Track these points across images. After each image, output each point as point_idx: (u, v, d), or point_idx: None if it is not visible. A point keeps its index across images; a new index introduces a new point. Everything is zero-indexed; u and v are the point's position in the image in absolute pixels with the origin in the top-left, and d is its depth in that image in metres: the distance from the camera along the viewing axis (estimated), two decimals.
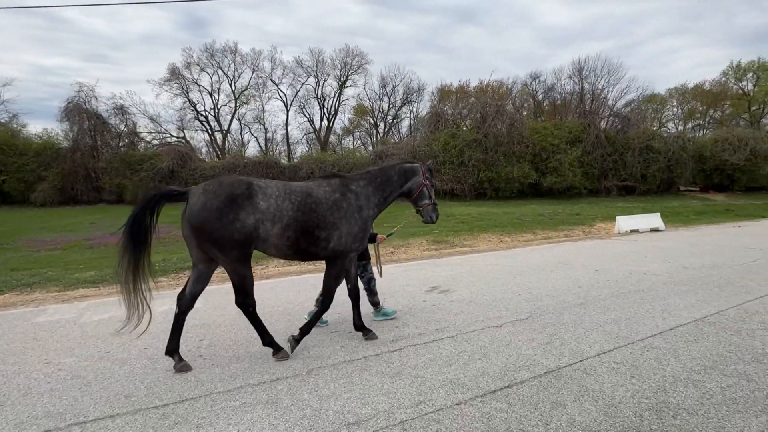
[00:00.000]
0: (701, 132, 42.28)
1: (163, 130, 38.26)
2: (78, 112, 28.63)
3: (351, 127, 51.84)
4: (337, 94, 48.03)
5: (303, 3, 70.20)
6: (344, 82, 47.66)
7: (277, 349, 3.80)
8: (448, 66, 73.82)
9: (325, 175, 4.28)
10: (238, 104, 44.62)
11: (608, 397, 2.95)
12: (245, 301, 3.69)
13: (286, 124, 47.94)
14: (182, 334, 3.75)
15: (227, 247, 3.52)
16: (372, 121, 50.89)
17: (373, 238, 4.90)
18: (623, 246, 10.00)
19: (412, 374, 3.39)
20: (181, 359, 3.67)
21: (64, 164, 27.63)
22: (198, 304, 3.99)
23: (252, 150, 47.28)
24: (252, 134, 48.22)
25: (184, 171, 27.98)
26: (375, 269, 5.02)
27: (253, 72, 43.77)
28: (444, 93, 43.23)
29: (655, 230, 13.14)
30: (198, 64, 40.90)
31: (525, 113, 39.81)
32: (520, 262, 8.37)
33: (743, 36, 71.22)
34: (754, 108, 49.18)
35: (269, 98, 47.14)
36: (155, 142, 35.44)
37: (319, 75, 46.81)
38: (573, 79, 32.97)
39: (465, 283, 6.60)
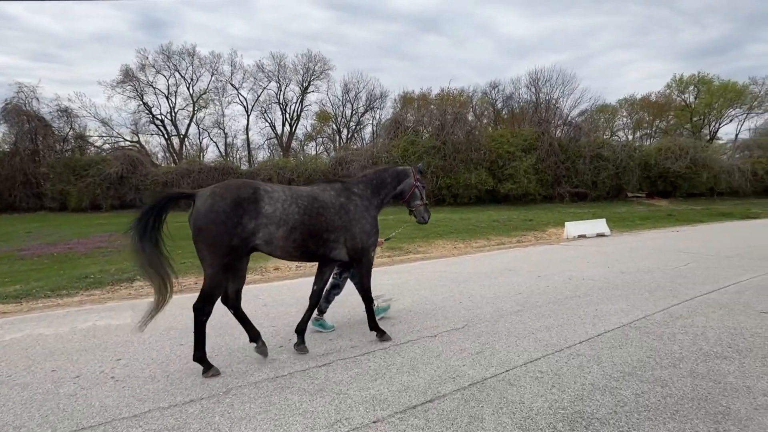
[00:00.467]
0: (648, 141, 44.48)
1: (115, 134, 36.61)
2: (17, 113, 26.97)
3: (313, 133, 51.45)
4: (299, 100, 47.63)
5: (266, 7, 69.43)
6: (306, 88, 47.30)
7: (207, 367, 3.67)
8: (412, 73, 74.82)
9: (327, 180, 4.61)
10: (196, 108, 43.44)
11: (527, 408, 2.93)
12: (204, 307, 3.63)
13: (247, 129, 47.02)
14: (101, 352, 3.47)
15: (221, 252, 3.55)
16: (335, 127, 50.74)
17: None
18: (569, 251, 10.28)
19: (335, 390, 3.27)
20: (262, 344, 3.96)
21: (1, 169, 25.91)
22: (128, 318, 3.72)
23: (211, 155, 46.04)
24: (211, 139, 46.96)
25: (135, 177, 26.84)
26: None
27: (212, 75, 42.74)
28: (406, 100, 43.69)
29: (601, 235, 13.62)
30: (153, 66, 39.50)
31: (485, 121, 40.88)
32: (469, 268, 8.43)
33: (686, 51, 76.08)
34: (695, 119, 52.39)
35: (229, 102, 46.17)
36: (107, 146, 33.86)
37: (281, 80, 46.26)
38: (530, 88, 34.13)
39: (410, 291, 6.55)
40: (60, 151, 29.17)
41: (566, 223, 13.92)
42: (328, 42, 70.07)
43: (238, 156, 47.76)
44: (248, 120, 45.77)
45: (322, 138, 51.66)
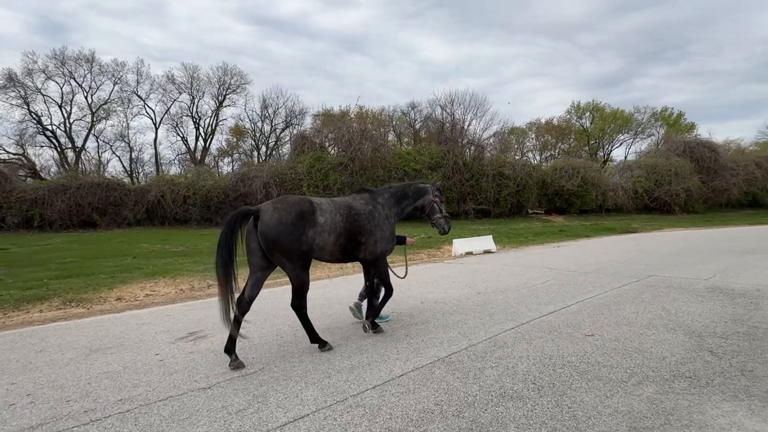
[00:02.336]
0: (552, 162, 47.53)
1: None
2: None
3: (228, 149, 48.98)
4: (214, 114, 45.19)
5: (182, 17, 65.86)
6: (222, 102, 45.07)
7: (322, 344, 4.47)
8: (338, 92, 74.92)
9: (357, 191, 5.21)
10: (95, 119, 39.47)
11: None
12: (300, 303, 4.38)
13: (155, 143, 43.58)
14: None
15: (295, 256, 4.18)
16: (253, 143, 48.68)
17: (403, 240, 5.65)
18: (444, 270, 9.95)
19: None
20: (236, 358, 4.10)
21: None
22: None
23: (114, 170, 41.98)
24: (114, 153, 42.89)
25: None
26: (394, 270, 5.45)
27: (114, 85, 39.20)
28: (326, 117, 43.07)
29: (487, 252, 13.64)
30: (44, 72, 35.34)
31: (406, 140, 41.28)
32: (331, 292, 7.68)
33: (587, 82, 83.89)
34: (592, 142, 57.37)
35: (135, 114, 42.60)
36: None
37: (194, 92, 43.67)
38: (444, 110, 35.08)
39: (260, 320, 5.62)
40: None
41: (454, 240, 13.79)
42: (252, 57, 68.06)
43: (145, 171, 44.07)
44: (156, 133, 42.46)
45: (238, 154, 49.32)
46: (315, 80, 73.97)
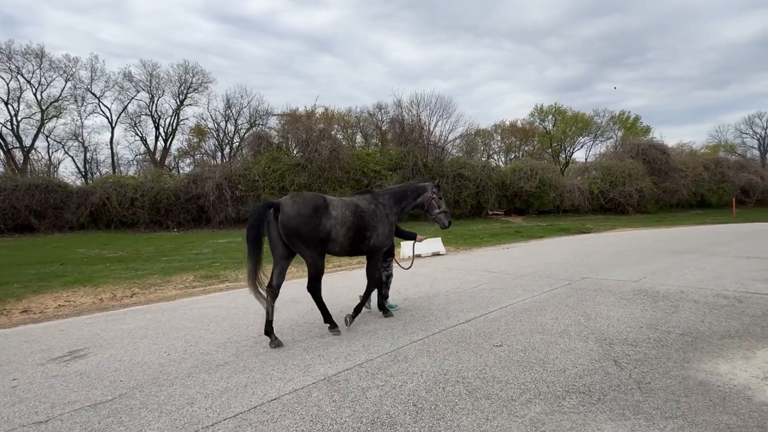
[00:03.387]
0: (512, 163, 48.08)
1: None
2: None
3: (189, 149, 47.34)
4: (175, 113, 43.54)
5: (145, 12, 63.31)
6: (183, 100, 43.47)
7: (333, 326, 4.99)
8: (308, 93, 74.09)
9: (360, 192, 5.67)
10: (45, 117, 37.29)
11: None
12: (316, 286, 4.86)
13: (111, 143, 41.60)
14: None
15: (312, 244, 4.69)
16: (216, 144, 47.20)
17: (413, 237, 6.22)
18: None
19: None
20: (275, 338, 4.65)
21: None
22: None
23: (66, 170, 39.90)
24: (67, 153, 40.68)
25: None
26: (395, 264, 6.33)
27: (66, 81, 37.12)
28: (291, 117, 42.13)
29: (436, 254, 13.41)
30: None
31: (374, 141, 40.83)
32: (250, 301, 7.20)
33: (552, 86, 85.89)
34: (554, 144, 58.58)
35: (90, 113, 40.52)
36: None
37: (154, 90, 41.93)
38: (405, 110, 34.95)
39: (127, 339, 5.10)
40: None
41: (402, 243, 13.49)
42: (220, 56, 66.19)
43: (101, 172, 41.88)
44: (113, 133, 40.52)
45: (200, 154, 47.68)
46: (284, 80, 72.84)
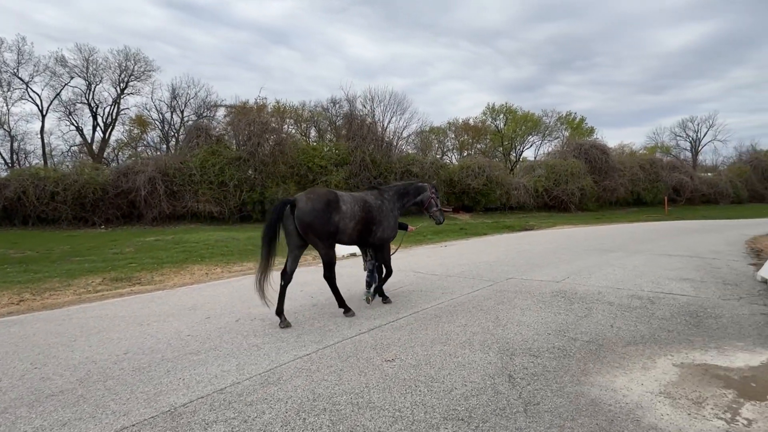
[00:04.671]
0: (459, 160, 48.54)
1: None
2: None
3: (129, 141, 44.36)
4: (115, 102, 40.55)
5: None
6: (124, 89, 40.57)
7: (347, 310, 5.55)
8: (263, 86, 71.56)
9: (369, 188, 6.47)
10: None
11: None
12: (330, 275, 5.46)
13: (42, 132, 38.15)
14: None
15: (324, 236, 5.22)
16: (161, 136, 44.46)
17: (405, 227, 6.73)
18: (308, 276, 9.02)
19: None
20: (285, 319, 5.20)
21: None
22: None
23: None
24: None
25: None
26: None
27: None
28: (242, 110, 40.28)
29: (353, 255, 12.92)
30: None
31: (329, 137, 39.76)
32: (166, 306, 6.41)
33: (506, 86, 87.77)
34: (505, 143, 59.78)
35: (17, 99, 36.94)
36: None
37: (91, 77, 38.80)
38: (366, 107, 34.32)
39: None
40: None
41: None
42: (170, 43, 62.48)
43: (32, 163, 38.27)
44: (43, 121, 37.10)
45: (144, 146, 44.78)
46: (238, 72, 70.06)
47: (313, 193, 5.33)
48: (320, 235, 5.17)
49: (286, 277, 5.38)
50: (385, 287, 6.53)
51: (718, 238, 14.51)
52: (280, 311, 5.22)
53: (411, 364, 3.91)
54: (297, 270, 10.12)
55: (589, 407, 3.08)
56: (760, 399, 3.19)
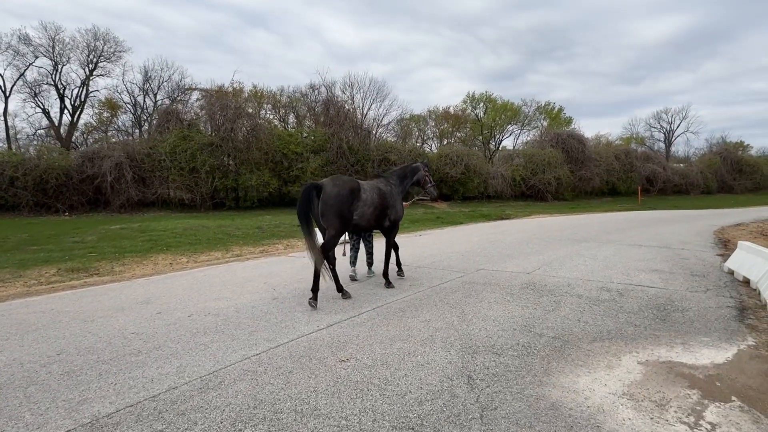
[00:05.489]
0: (438, 149, 48.31)
1: None
2: None
3: (99, 124, 42.56)
4: (83, 84, 38.71)
5: None
6: (93, 70, 38.72)
7: (345, 294, 5.87)
8: (241, 69, 69.74)
9: (376, 175, 7.03)
10: None
11: None
12: (327, 254, 5.63)
13: (5, 114, 36.22)
14: None
15: (344, 221, 5.62)
16: (134, 120, 42.76)
17: None
18: (276, 266, 8.70)
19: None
20: (316, 298, 5.50)
21: None
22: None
23: None
24: None
25: None
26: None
27: None
28: (218, 94, 38.93)
29: (347, 243, 12.65)
30: None
31: (308, 123, 38.86)
32: (120, 299, 6.00)
33: (487, 74, 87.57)
34: (485, 132, 59.81)
35: None
36: None
37: (57, 57, 36.85)
38: (345, 93, 33.62)
39: None
40: None
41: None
42: (141, 23, 59.80)
43: None
44: (6, 103, 35.13)
45: (113, 130, 43.02)
46: (215, 55, 67.90)
47: (339, 179, 5.71)
48: (339, 219, 5.49)
49: (331, 257, 5.73)
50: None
51: (687, 228, 14.72)
52: (316, 290, 5.52)
53: (366, 364, 3.67)
54: (264, 261, 9.88)
55: (548, 412, 2.90)
56: (725, 400, 3.07)
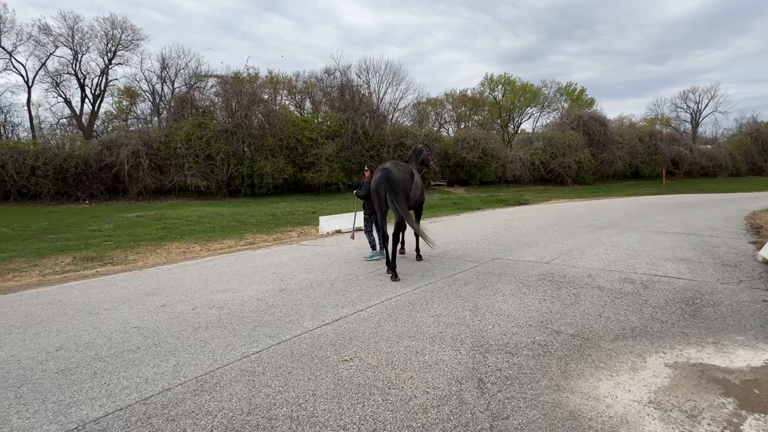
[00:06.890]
0: (455, 133, 47.46)
1: None
2: None
3: (118, 113, 43.06)
4: (103, 73, 39.11)
5: None
6: (112, 59, 39.06)
7: (395, 275, 6.18)
8: (256, 56, 69.75)
9: (406, 161, 7.72)
10: None
11: None
12: (397, 233, 6.44)
13: (29, 104, 36.89)
14: None
15: (406, 201, 6.31)
16: (153, 108, 43.13)
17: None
18: (285, 255, 8.57)
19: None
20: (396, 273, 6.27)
21: None
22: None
23: None
24: None
25: None
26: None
27: None
28: (235, 81, 38.79)
29: (359, 230, 12.46)
30: None
31: (324, 109, 38.54)
32: (128, 290, 5.95)
33: (505, 56, 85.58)
34: (503, 115, 58.51)
35: (2, 70, 35.52)
36: None
37: (77, 47, 37.24)
38: (361, 77, 33.17)
39: None
40: None
41: (320, 218, 12.45)
42: (156, 10, 60.02)
43: (20, 137, 37.10)
44: (30, 93, 35.75)
45: (132, 119, 43.51)
46: (230, 41, 67.85)
47: (401, 165, 6.73)
48: (405, 200, 6.28)
49: (397, 238, 6.46)
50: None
51: (716, 214, 14.06)
52: (393, 266, 6.28)
53: (370, 364, 3.47)
54: (275, 249, 9.77)
55: (566, 423, 2.64)
56: (765, 411, 2.76)
